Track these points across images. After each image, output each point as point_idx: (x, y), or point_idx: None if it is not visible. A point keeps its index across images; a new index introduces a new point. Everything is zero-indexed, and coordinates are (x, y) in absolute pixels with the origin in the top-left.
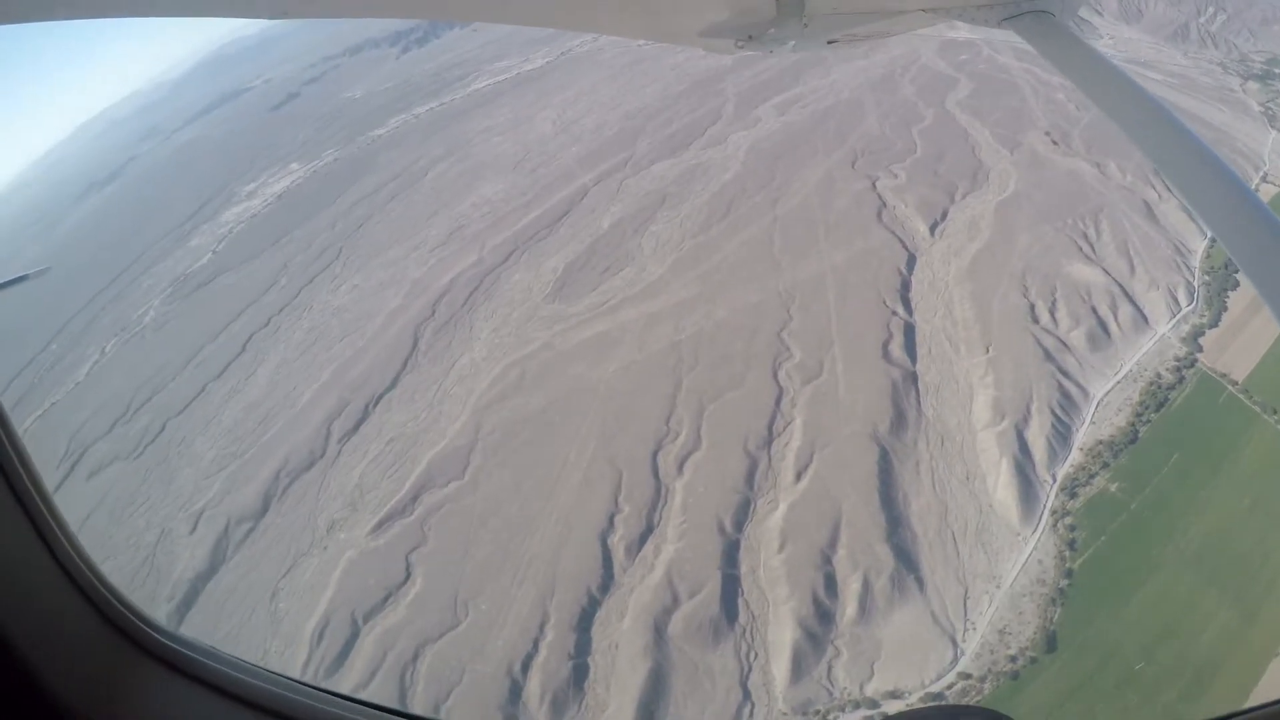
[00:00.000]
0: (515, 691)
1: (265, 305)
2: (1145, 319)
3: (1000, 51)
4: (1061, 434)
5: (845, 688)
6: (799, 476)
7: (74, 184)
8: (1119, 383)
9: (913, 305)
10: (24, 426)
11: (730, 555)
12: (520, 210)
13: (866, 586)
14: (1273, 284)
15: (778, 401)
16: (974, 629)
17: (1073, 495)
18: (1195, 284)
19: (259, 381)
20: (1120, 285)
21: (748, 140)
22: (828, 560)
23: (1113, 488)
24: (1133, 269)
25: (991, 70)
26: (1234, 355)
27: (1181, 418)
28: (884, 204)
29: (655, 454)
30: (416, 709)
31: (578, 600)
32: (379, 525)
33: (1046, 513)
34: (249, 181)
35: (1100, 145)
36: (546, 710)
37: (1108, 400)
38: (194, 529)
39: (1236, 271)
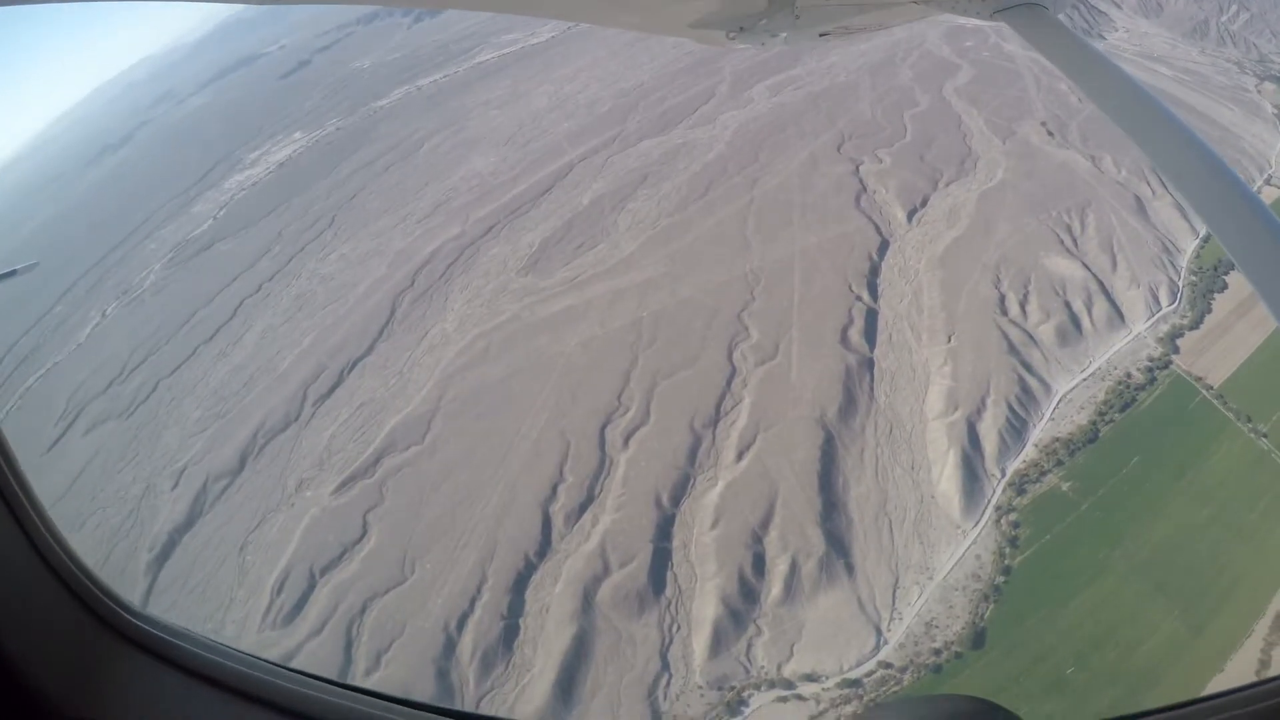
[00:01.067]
0: (449, 647)
1: (258, 272)
2: (1121, 316)
3: (1007, 39)
4: (1016, 428)
5: (763, 666)
6: (740, 456)
7: (88, 146)
8: (1085, 380)
9: (879, 291)
10: (26, 385)
11: (664, 529)
12: (506, 184)
13: (794, 568)
14: (1263, 273)
15: (729, 381)
16: (900, 619)
17: (1021, 492)
18: (1180, 283)
19: (246, 345)
20: (1099, 280)
21: (737, 120)
22: (758, 540)
23: (1064, 487)
24: (1115, 265)
25: (996, 58)
26: (1213, 359)
27: (1148, 420)
28: (864, 188)
29: (604, 427)
30: (359, 660)
31: (515, 564)
32: (342, 485)
33: (990, 508)
34: (253, 149)
35: (1098, 139)
36: (476, 666)
37: (1071, 397)
38: (176, 485)
39: (1226, 273)
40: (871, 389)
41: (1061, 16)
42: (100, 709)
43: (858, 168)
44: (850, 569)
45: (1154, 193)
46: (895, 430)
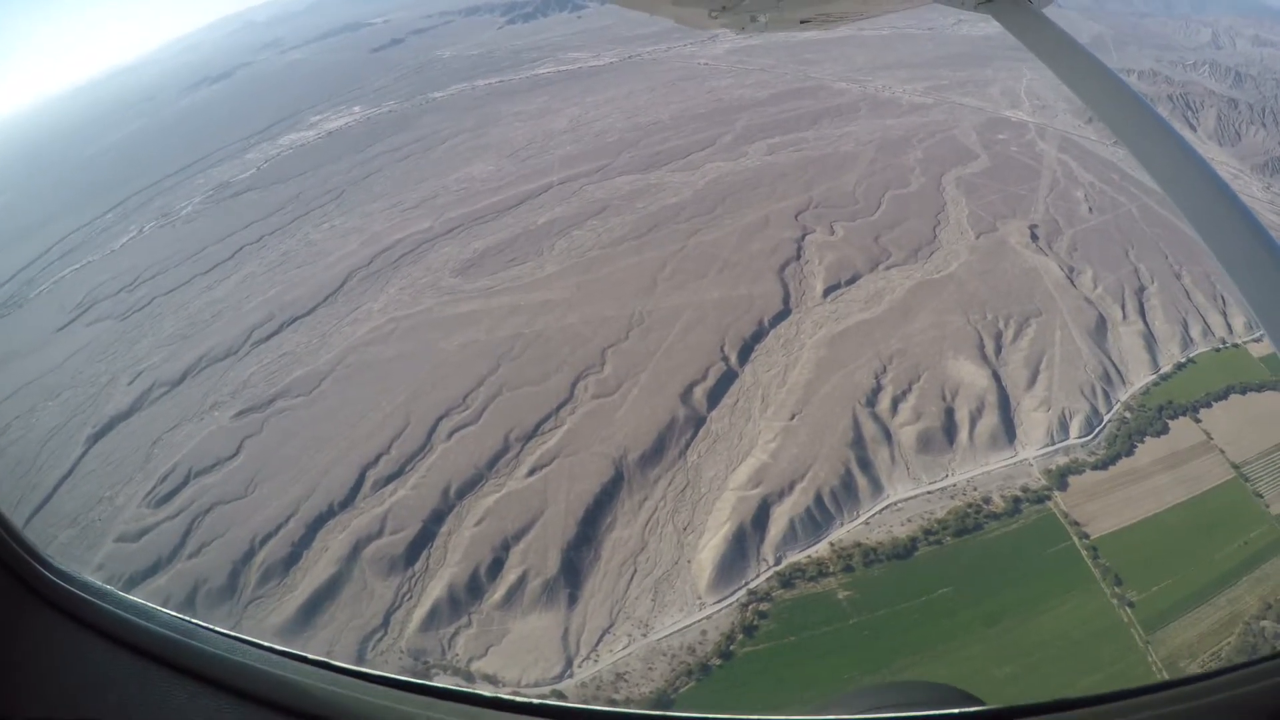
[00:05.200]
0: (249, 555)
1: (265, 225)
2: (1009, 437)
3: (1046, 138)
4: (816, 521)
5: (457, 654)
6: (532, 472)
7: (191, 74)
8: (928, 493)
9: (751, 357)
10: (62, 274)
11: (439, 515)
12: (489, 193)
13: (522, 582)
14: (1227, 249)
15: (560, 406)
16: (595, 661)
17: (789, 585)
18: (1106, 417)
19: (229, 284)
20: (1004, 394)
21: (719, 171)
22: (506, 548)
23: (841, 595)
24: (1032, 382)
25: (1022, 154)
26: (1105, 507)
27: (986, 553)
28: (798, 257)
29: (440, 418)
30: (188, 545)
31: (320, 508)
32: (240, 413)
33: (744, 591)
34: (318, 113)
35: (1089, 252)
36: (258, 576)
37: (902, 506)
38: (132, 381)
39: (1174, 417)
40: (687, 446)
41: (1043, 10)
42: (3, 674)
43: (804, 236)
44: (573, 600)
45: (1125, 317)
46: (689, 490)
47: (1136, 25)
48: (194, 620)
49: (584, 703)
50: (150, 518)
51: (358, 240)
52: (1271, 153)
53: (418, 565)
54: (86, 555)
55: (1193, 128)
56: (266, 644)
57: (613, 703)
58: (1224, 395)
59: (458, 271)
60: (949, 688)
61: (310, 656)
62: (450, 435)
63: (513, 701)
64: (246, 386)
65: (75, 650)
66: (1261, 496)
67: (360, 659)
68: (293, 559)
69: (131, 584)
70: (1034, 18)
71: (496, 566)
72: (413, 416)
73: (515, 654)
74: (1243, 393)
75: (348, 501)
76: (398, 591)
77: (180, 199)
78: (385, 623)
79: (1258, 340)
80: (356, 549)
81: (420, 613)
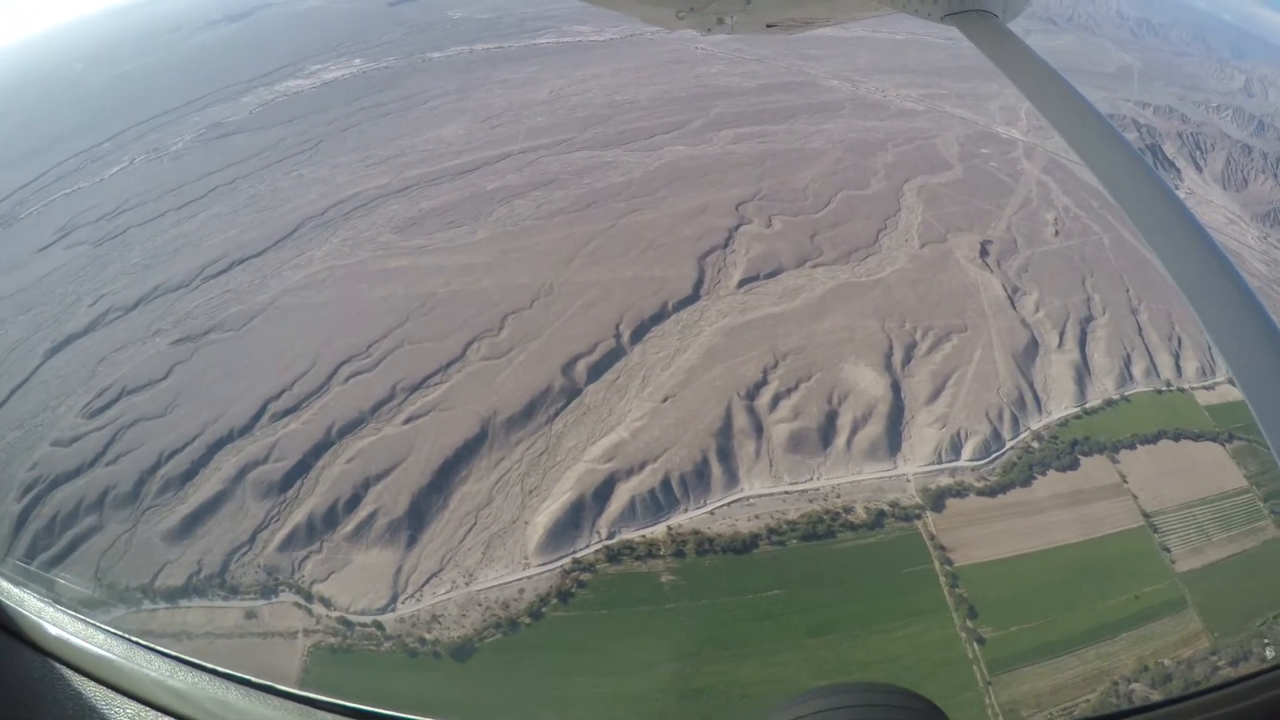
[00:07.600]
0: (155, 468)
1: (241, 169)
2: (892, 449)
3: (1033, 158)
4: (659, 503)
5: (303, 575)
6: (408, 421)
7: (214, 9)
8: (786, 493)
9: (645, 338)
10: (52, 199)
11: (319, 450)
12: (450, 155)
13: (371, 518)
14: (1184, 271)
15: (449, 364)
16: (418, 600)
17: (615, 560)
18: (1008, 443)
19: (196, 221)
20: (898, 405)
21: (676, 155)
22: (366, 486)
23: (664, 578)
24: (935, 397)
25: (1001, 170)
26: (980, 535)
27: (833, 561)
28: (725, 245)
29: (342, 364)
30: (108, 453)
31: (222, 432)
32: (178, 341)
33: (569, 558)
34: (319, 62)
35: (1041, 275)
36: (158, 487)
37: (755, 502)
38: (94, 304)
39: (1088, 454)
40: (555, 415)
41: (1010, 25)
42: None
43: (738, 226)
44: (412, 541)
45: (1060, 344)
46: (545, 456)
47: (1169, 63)
48: (134, 638)
49: None
50: (83, 427)
51: (319, 190)
52: (1276, 203)
53: (290, 492)
54: (25, 456)
55: (1199, 168)
56: (209, 665)
57: None
58: (1154, 439)
59: (399, 228)
60: (914, 694)
61: (256, 681)
62: (347, 379)
63: None
64: (188, 317)
65: (13, 665)
66: (1169, 551)
67: (224, 570)
68: (190, 475)
69: (56, 485)
70: (1000, 32)
71: (354, 502)
72: (320, 359)
73: (351, 582)
74: (1176, 439)
75: (246, 429)
76: (268, 513)
77: (173, 135)
78: (252, 539)
79: (1208, 388)
80: (243, 472)
81: (281, 534)
